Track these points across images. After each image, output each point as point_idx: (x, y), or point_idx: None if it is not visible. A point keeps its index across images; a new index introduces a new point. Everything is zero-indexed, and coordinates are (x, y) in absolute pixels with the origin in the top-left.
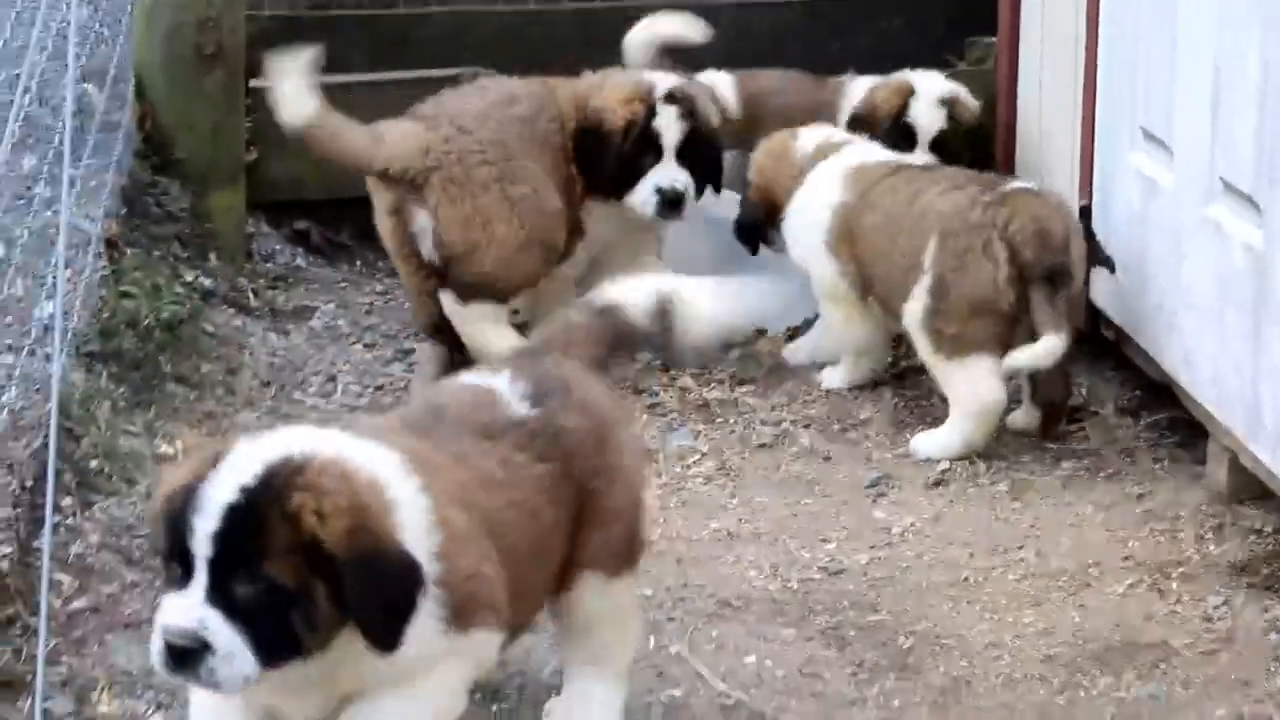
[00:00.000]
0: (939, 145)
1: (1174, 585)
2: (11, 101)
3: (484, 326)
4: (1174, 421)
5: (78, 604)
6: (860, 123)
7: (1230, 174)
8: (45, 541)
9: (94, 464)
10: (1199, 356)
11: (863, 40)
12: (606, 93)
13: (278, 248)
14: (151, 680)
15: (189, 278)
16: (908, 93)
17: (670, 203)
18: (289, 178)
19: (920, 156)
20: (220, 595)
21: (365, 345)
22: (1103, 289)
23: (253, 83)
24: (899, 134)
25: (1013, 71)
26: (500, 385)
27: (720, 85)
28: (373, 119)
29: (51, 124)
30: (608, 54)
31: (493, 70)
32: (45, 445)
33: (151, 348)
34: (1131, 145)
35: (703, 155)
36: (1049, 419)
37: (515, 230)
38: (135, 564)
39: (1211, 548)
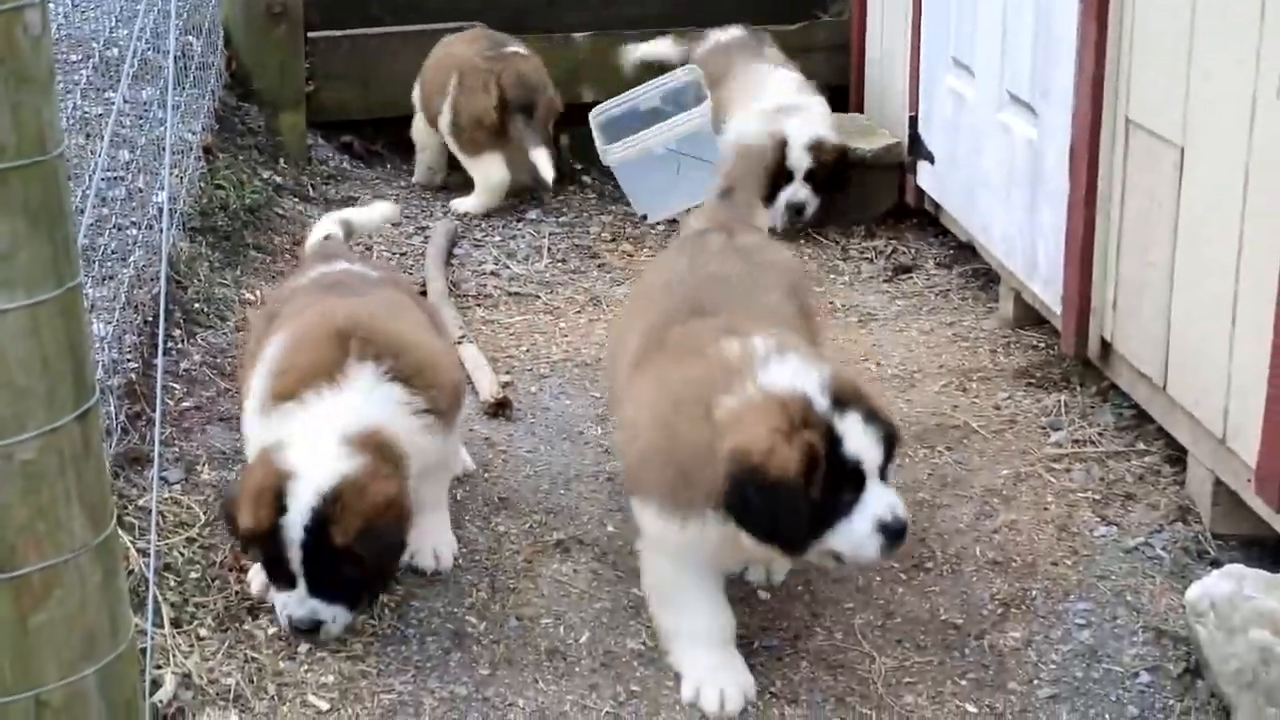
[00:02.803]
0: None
1: (974, 384)
2: (132, 49)
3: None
4: (975, 271)
5: (186, 404)
6: None
7: (1015, 88)
8: (159, 360)
9: (196, 306)
10: (993, 223)
11: None
12: None
13: (329, 155)
14: (240, 458)
15: (264, 175)
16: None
17: None
18: (337, 104)
19: None
20: (317, 588)
21: (393, 225)
22: (925, 175)
23: (309, 34)
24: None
25: (863, 20)
26: None
27: None
28: (400, 59)
29: (162, 65)
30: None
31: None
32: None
33: (238, 225)
34: (945, 70)
35: None
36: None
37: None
38: (226, 376)
39: (1001, 358)
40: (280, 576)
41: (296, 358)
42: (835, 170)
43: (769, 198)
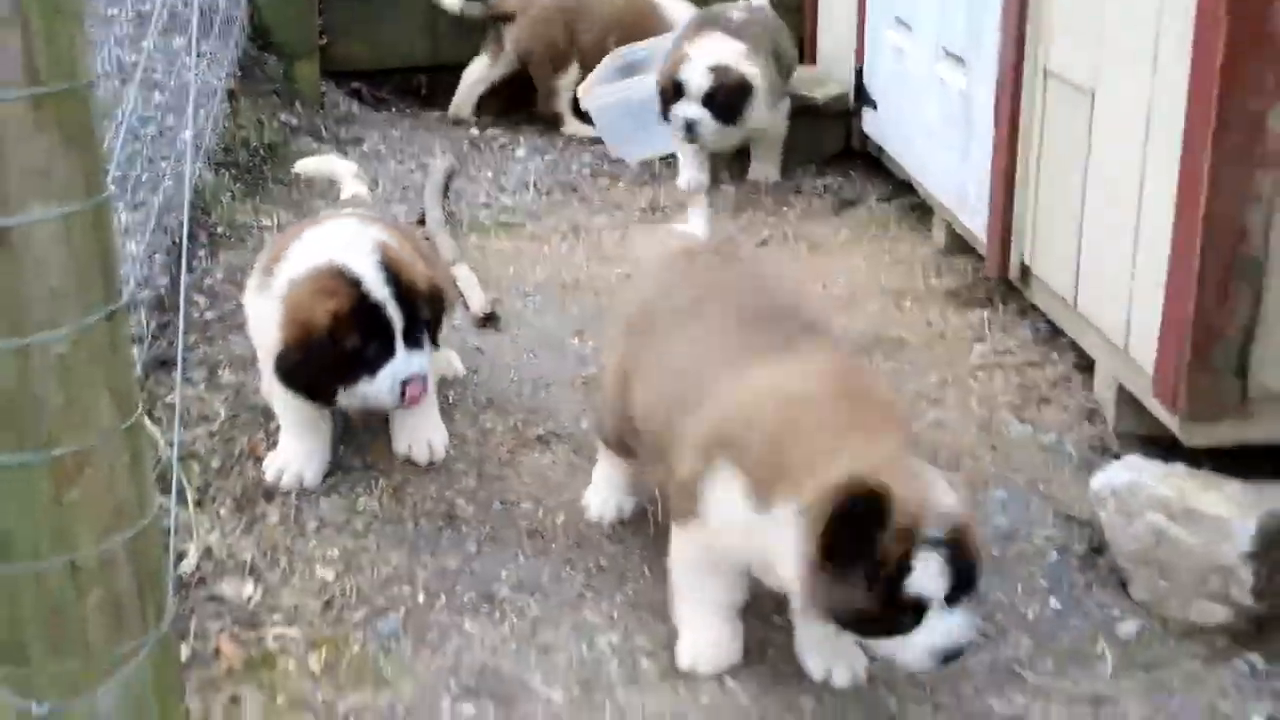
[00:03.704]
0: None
1: (908, 303)
2: (163, 3)
3: None
4: (912, 205)
5: (209, 315)
6: None
7: (948, 44)
8: (184, 276)
9: (219, 230)
10: (930, 162)
11: None
12: None
13: (340, 100)
14: (255, 366)
15: (282, 117)
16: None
17: None
18: (347, 55)
19: None
20: (413, 343)
21: (397, 162)
22: (869, 121)
23: None
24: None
25: None
26: None
27: None
28: (402, 18)
29: (189, 17)
30: None
31: None
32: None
33: (258, 160)
34: (888, 27)
35: None
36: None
37: None
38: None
39: (933, 281)
40: (379, 351)
41: None
42: (732, 96)
43: (665, 112)
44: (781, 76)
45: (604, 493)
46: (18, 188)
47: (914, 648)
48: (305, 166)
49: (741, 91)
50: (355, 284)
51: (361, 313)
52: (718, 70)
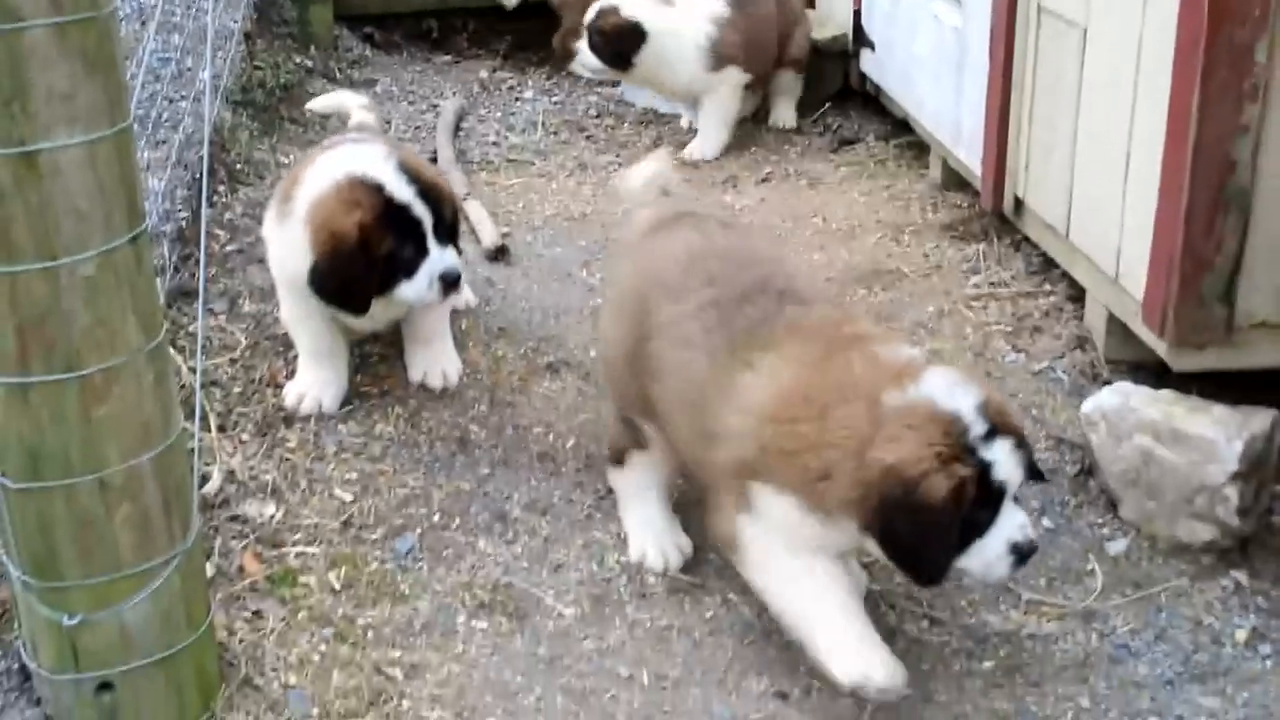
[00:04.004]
0: None
1: (905, 237)
2: None
3: None
4: (909, 143)
5: (229, 248)
6: None
7: None
8: (204, 210)
9: (238, 166)
10: (926, 100)
11: None
12: None
13: (353, 44)
14: (274, 297)
15: (297, 60)
16: None
17: None
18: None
19: None
20: (446, 242)
21: (409, 103)
22: (867, 61)
23: None
24: None
25: None
26: None
27: None
28: None
29: None
30: None
31: None
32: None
33: (274, 100)
34: None
35: None
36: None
37: None
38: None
39: (930, 215)
40: (414, 251)
41: None
42: (613, 40)
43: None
44: (740, 49)
45: (650, 537)
46: (44, 113)
47: (994, 549)
48: (317, 104)
49: (622, 35)
50: (378, 189)
51: (390, 216)
52: (602, 11)
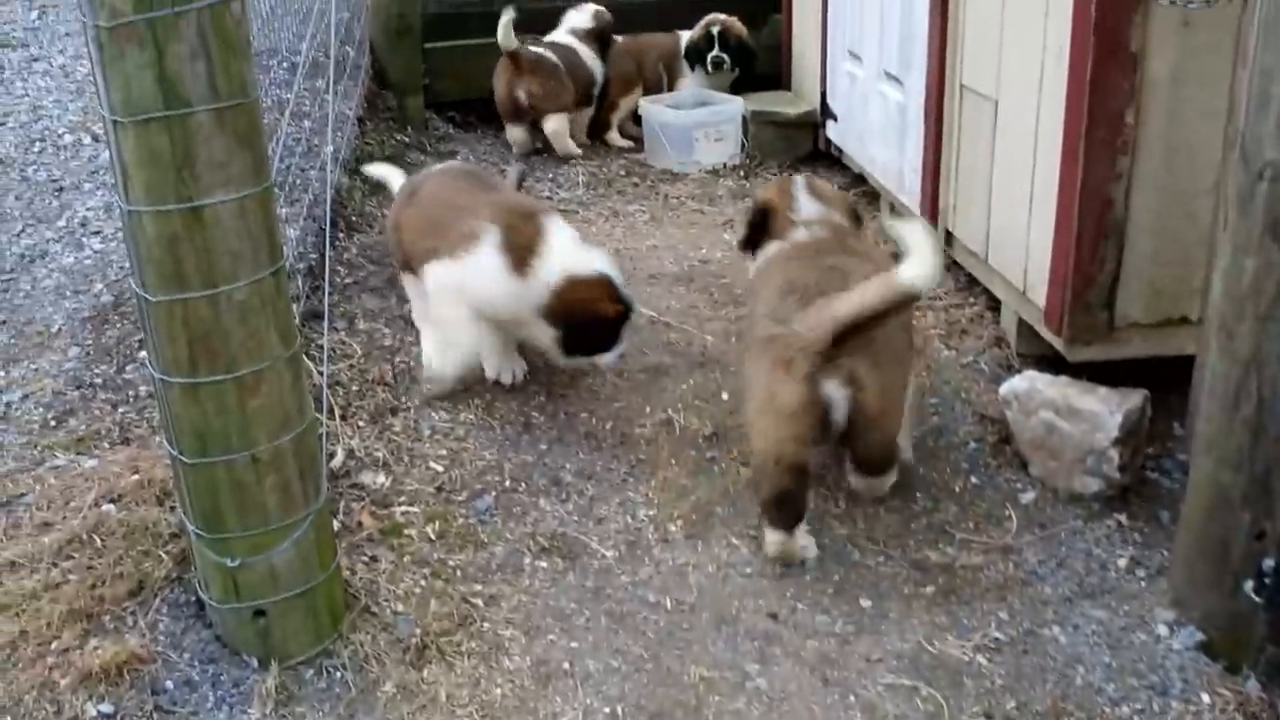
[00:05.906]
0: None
1: None
2: (308, 55)
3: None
4: (865, 192)
5: (348, 281)
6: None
7: (888, 67)
8: (328, 252)
9: (354, 218)
10: (877, 159)
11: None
12: None
13: (440, 124)
14: (383, 317)
15: (398, 137)
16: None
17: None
18: (443, 90)
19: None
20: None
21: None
22: (831, 129)
23: (426, 44)
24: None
25: (789, 26)
26: None
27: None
28: (486, 61)
29: (326, 64)
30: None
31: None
32: (326, 210)
33: None
34: (844, 59)
35: None
36: None
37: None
38: (375, 263)
39: (881, 246)
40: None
41: None
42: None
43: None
44: None
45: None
46: (206, 177)
47: None
48: (373, 171)
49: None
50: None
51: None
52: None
